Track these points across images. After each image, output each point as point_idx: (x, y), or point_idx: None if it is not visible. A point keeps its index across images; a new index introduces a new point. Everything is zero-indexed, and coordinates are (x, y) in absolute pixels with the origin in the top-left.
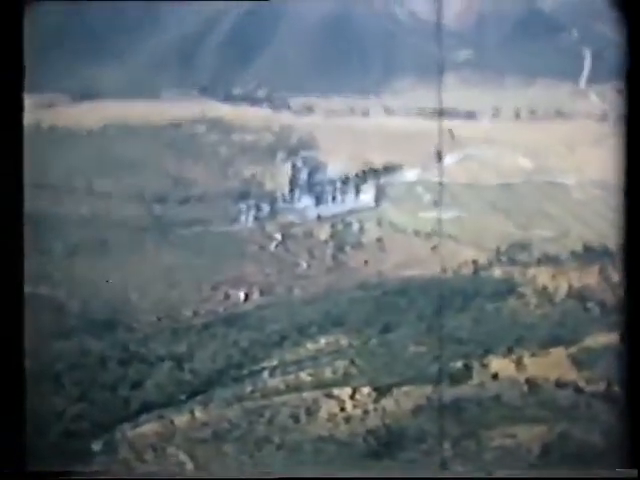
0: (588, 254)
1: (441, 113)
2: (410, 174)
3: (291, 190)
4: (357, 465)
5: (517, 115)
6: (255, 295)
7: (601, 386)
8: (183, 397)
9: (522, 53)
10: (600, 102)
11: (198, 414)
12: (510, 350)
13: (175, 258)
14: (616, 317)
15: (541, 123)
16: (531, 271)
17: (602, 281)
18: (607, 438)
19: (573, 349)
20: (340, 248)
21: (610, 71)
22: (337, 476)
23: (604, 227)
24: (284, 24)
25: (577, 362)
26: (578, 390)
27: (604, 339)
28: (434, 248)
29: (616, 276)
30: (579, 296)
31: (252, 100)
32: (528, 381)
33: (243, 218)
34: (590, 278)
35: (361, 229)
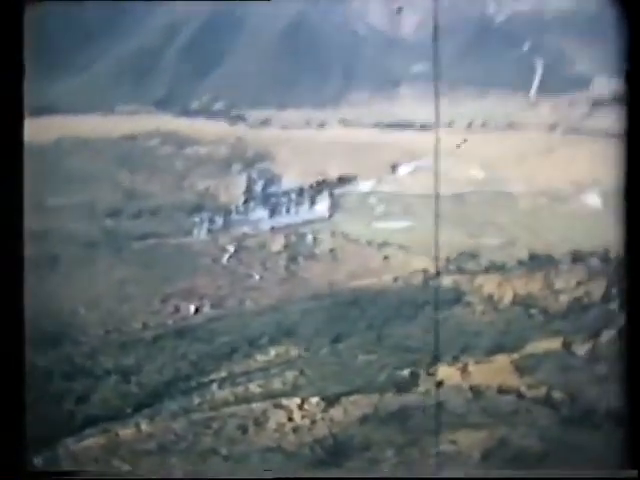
0: (533, 262)
1: (396, 125)
2: (364, 185)
3: (245, 202)
4: (303, 475)
5: (470, 127)
6: (206, 308)
7: (541, 391)
8: (129, 410)
9: (476, 65)
10: (550, 113)
11: (144, 427)
12: (456, 358)
13: (127, 272)
14: (558, 323)
15: (493, 134)
16: (478, 279)
17: (545, 288)
18: (544, 442)
19: (516, 356)
20: (293, 259)
21: (561, 82)
22: (337, 476)
23: (549, 235)
24: (242, 37)
25: (519, 368)
26: (519, 396)
27: (546, 345)
28: (386, 258)
29: (559, 283)
30: (523, 303)
31: (208, 113)
32: (472, 388)
33: (196, 231)
34: (534, 285)
35: (314, 240)
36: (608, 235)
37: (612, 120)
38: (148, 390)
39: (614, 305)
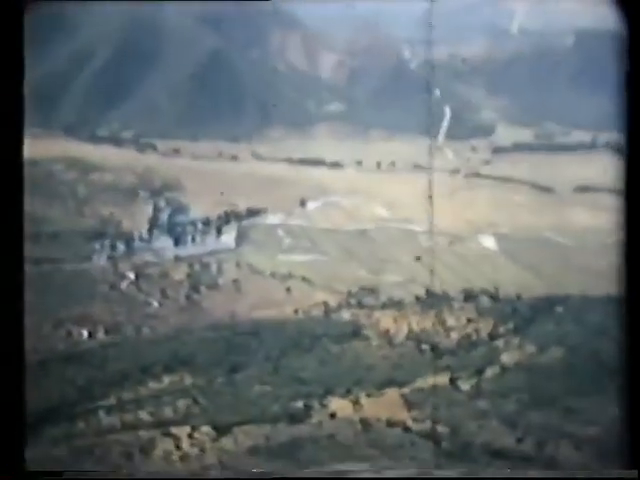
0: (429, 299)
1: (308, 162)
2: (273, 218)
3: (150, 230)
4: None
5: (378, 166)
6: (100, 334)
7: (426, 425)
8: None
9: (388, 109)
10: (454, 157)
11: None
12: (349, 391)
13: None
14: (447, 359)
15: (399, 175)
16: (376, 314)
17: (437, 324)
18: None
19: (406, 390)
20: (195, 288)
21: (465, 129)
22: (337, 476)
23: (446, 274)
24: (155, 68)
25: (408, 402)
26: (406, 429)
27: (434, 380)
28: (288, 290)
29: (451, 320)
30: (416, 339)
31: (117, 141)
32: (362, 420)
33: (96, 257)
34: (427, 322)
35: (219, 270)
36: (499, 275)
37: (511, 167)
38: (31, 416)
39: (500, 342)
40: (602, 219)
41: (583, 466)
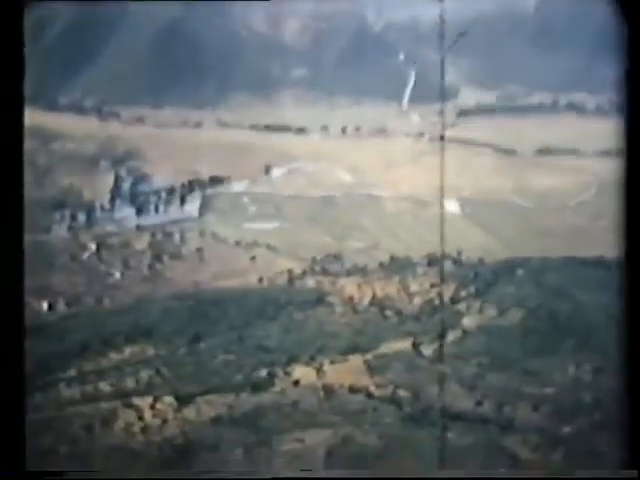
0: (393, 265)
1: (273, 128)
2: (238, 186)
3: (111, 200)
4: (151, 474)
5: (344, 132)
6: (60, 305)
7: (388, 390)
8: None
9: (353, 73)
10: (420, 121)
11: None
12: (312, 358)
13: None
14: (410, 324)
15: (365, 140)
16: (341, 281)
17: (401, 290)
18: (384, 439)
19: (369, 356)
20: (158, 258)
21: (431, 92)
22: (337, 476)
23: (410, 239)
24: (116, 36)
25: (371, 368)
26: (368, 395)
27: (397, 346)
28: (253, 259)
29: (414, 285)
30: (380, 305)
31: (78, 109)
32: (325, 387)
33: (56, 228)
34: (391, 287)
35: (182, 239)
36: (462, 239)
37: (474, 130)
38: None
39: (461, 306)
40: (562, 181)
41: (539, 428)
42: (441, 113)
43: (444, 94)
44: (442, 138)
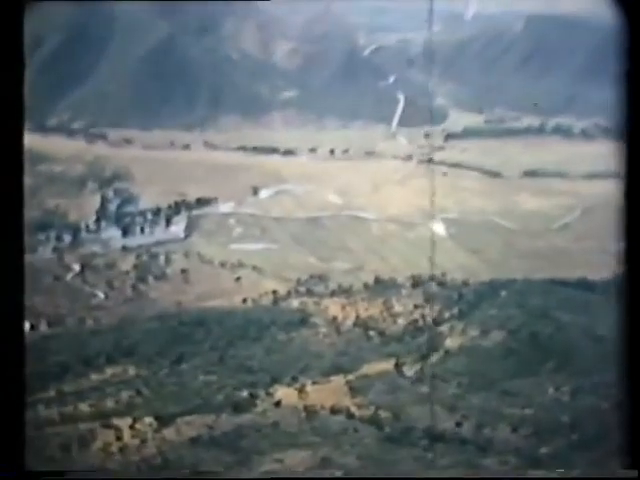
0: (377, 286)
1: (261, 150)
2: (224, 207)
3: (97, 221)
4: None
5: (332, 154)
6: (42, 326)
7: (370, 411)
8: None
9: (342, 96)
10: (407, 144)
11: None
12: (295, 379)
13: None
14: (394, 345)
15: (353, 162)
16: (325, 302)
17: (385, 311)
18: (363, 460)
19: (351, 377)
20: (142, 279)
21: (419, 115)
22: (337, 476)
23: (396, 261)
24: (105, 57)
25: (353, 389)
26: (349, 415)
27: (380, 367)
28: (238, 279)
29: (398, 306)
30: (364, 325)
31: (66, 131)
32: (307, 408)
33: (41, 248)
34: (375, 309)
35: (167, 260)
36: (447, 260)
37: (462, 153)
38: None
39: (444, 328)
40: (547, 203)
41: (516, 449)
42: (428, 136)
43: (432, 117)
44: (430, 161)
